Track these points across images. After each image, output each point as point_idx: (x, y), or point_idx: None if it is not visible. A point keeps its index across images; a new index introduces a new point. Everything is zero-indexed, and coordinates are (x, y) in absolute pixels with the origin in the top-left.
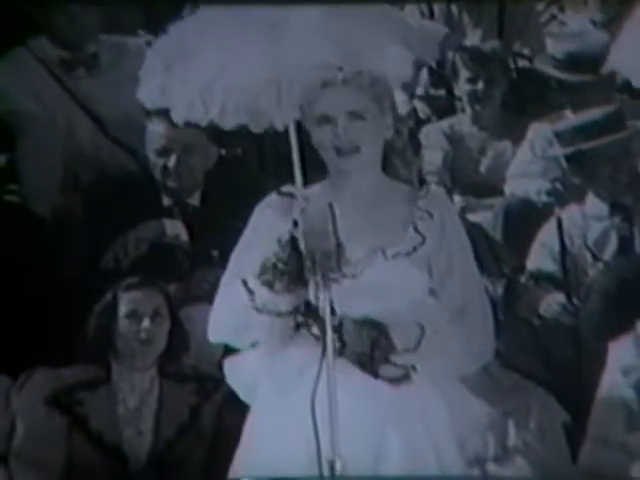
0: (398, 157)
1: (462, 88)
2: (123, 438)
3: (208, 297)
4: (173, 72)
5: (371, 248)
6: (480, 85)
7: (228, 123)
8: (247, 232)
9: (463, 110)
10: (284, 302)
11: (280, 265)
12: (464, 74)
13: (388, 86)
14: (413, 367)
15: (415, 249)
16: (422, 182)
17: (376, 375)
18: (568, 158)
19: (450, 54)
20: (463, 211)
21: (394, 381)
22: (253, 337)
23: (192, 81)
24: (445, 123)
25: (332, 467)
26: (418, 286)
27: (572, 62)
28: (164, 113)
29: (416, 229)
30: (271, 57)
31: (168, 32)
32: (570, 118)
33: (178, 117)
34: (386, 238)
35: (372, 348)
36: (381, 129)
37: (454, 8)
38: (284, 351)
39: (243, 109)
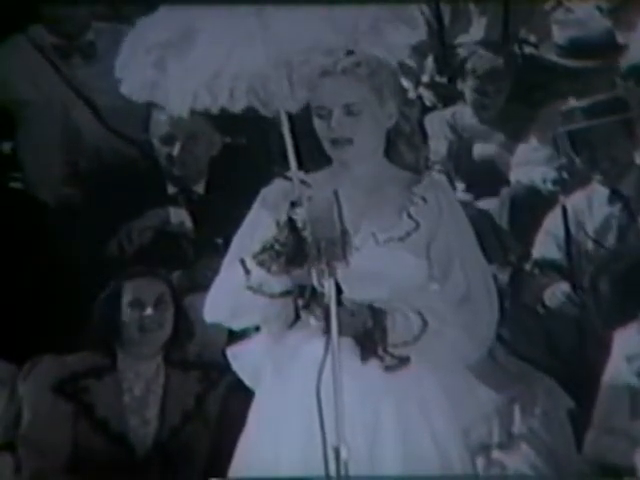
0: (404, 142)
1: (467, 85)
2: (129, 426)
3: None
4: (166, 67)
5: (364, 234)
6: (487, 100)
7: (237, 107)
8: (250, 215)
9: (465, 101)
10: (278, 284)
11: (277, 246)
12: (470, 81)
13: (392, 72)
14: (408, 358)
15: (409, 234)
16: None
17: (367, 360)
18: (571, 139)
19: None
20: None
21: (388, 369)
22: (249, 320)
23: (194, 72)
24: (448, 112)
25: (337, 453)
26: (415, 272)
27: (575, 49)
28: None
29: (409, 215)
30: (276, 40)
31: (137, 27)
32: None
33: (181, 108)
34: (380, 224)
35: (365, 336)
36: (381, 119)
37: None
38: (286, 337)
39: (252, 93)
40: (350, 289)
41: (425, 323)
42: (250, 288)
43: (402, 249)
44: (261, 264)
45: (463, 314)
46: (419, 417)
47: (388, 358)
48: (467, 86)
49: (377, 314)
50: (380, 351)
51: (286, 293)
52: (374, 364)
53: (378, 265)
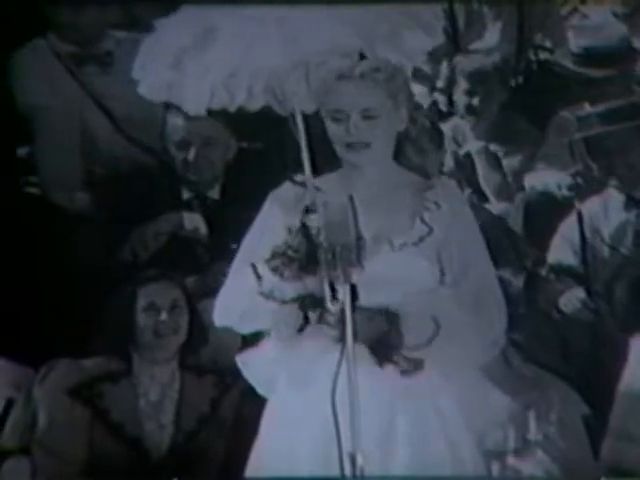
0: (411, 145)
1: (459, 98)
2: (144, 430)
3: None
4: (185, 67)
5: (379, 239)
6: (477, 100)
7: (254, 106)
8: (259, 219)
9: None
10: (290, 290)
11: (290, 252)
12: (462, 85)
13: (405, 78)
14: (422, 362)
15: (422, 239)
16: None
17: (383, 365)
18: (588, 145)
19: (447, 66)
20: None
21: (404, 373)
22: (258, 325)
23: (211, 71)
24: (448, 126)
25: (353, 461)
26: (428, 277)
27: (591, 58)
28: None
29: (422, 220)
30: (293, 40)
31: (156, 29)
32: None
33: (198, 107)
34: (394, 229)
35: (381, 341)
36: (394, 124)
37: (474, 0)
38: (299, 343)
39: (270, 92)
40: (363, 294)
41: (437, 326)
42: (262, 294)
43: (416, 254)
44: (274, 270)
45: (474, 318)
46: (434, 423)
47: (403, 362)
48: (459, 91)
49: (392, 317)
50: (395, 356)
51: (297, 299)
52: (388, 370)
53: (392, 270)
